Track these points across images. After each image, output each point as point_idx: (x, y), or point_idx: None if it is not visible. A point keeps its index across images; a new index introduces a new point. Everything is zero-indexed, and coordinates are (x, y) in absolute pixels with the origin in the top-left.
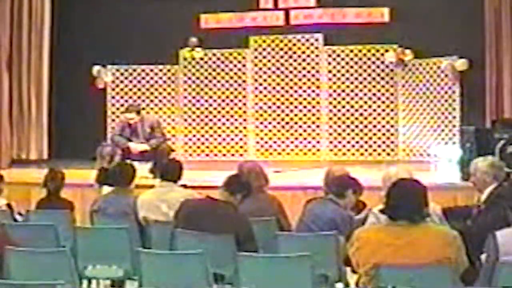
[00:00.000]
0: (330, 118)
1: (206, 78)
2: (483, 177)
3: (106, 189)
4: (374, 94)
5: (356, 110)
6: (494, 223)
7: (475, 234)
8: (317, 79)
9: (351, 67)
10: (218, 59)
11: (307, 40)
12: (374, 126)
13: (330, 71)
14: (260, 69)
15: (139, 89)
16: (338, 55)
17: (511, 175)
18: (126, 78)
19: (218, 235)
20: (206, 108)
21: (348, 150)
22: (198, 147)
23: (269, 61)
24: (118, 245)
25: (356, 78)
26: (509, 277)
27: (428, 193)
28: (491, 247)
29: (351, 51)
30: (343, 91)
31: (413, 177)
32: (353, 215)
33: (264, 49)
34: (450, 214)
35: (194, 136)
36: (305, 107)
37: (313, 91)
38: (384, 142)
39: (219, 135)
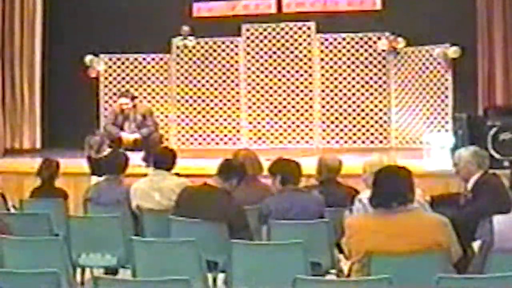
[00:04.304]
0: (323, 106)
1: (198, 67)
2: (467, 166)
3: (95, 179)
4: (366, 82)
5: (349, 98)
6: (483, 210)
7: (465, 222)
8: (310, 67)
9: (344, 55)
10: (211, 47)
11: (300, 28)
12: (367, 114)
13: (322, 59)
14: (253, 57)
15: (131, 78)
16: (331, 43)
17: (503, 162)
18: (118, 67)
19: (212, 223)
20: (199, 97)
21: (341, 137)
22: (191, 136)
23: (261, 49)
24: (112, 234)
25: (349, 66)
26: (502, 264)
27: (414, 179)
28: (486, 232)
29: (344, 39)
30: (336, 79)
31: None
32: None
33: (256, 37)
34: (439, 201)
35: (187, 124)
36: (297, 95)
37: (306, 79)
38: (376, 130)
39: (212, 124)
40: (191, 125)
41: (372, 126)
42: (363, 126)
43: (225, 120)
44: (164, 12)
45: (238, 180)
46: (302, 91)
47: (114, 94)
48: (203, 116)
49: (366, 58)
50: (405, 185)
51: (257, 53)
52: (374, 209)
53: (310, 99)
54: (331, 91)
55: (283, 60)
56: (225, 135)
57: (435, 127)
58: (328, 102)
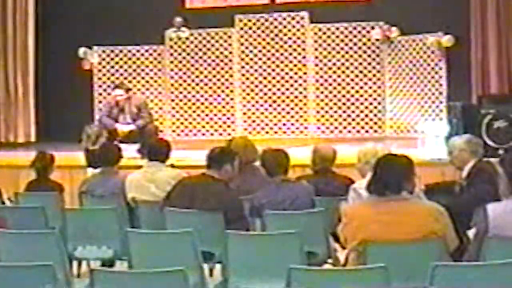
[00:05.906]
0: (317, 96)
1: (192, 58)
2: (461, 154)
3: (91, 171)
4: (360, 72)
5: (343, 88)
6: (478, 198)
7: (460, 210)
8: (304, 57)
9: (337, 44)
10: (204, 38)
11: (293, 18)
12: (361, 104)
13: (316, 49)
14: (246, 48)
15: (125, 70)
16: (324, 33)
17: (498, 151)
18: (112, 59)
19: (207, 213)
20: (193, 88)
21: (336, 127)
22: (186, 127)
23: (255, 40)
24: (107, 226)
25: (343, 56)
26: (498, 251)
27: (415, 168)
28: (481, 220)
29: (337, 28)
30: (330, 69)
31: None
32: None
33: (249, 28)
34: (434, 190)
35: (181, 116)
36: (292, 85)
37: (300, 69)
38: (371, 119)
39: (207, 115)
40: (186, 116)
41: (366, 115)
42: (358, 115)
43: (219, 111)
44: (157, 3)
45: (232, 164)
46: (296, 81)
47: (108, 86)
48: (198, 108)
49: (360, 48)
50: (399, 174)
51: (250, 43)
52: (370, 196)
53: (305, 89)
54: (325, 81)
55: (277, 51)
56: (220, 126)
57: (429, 116)
58: (322, 92)
